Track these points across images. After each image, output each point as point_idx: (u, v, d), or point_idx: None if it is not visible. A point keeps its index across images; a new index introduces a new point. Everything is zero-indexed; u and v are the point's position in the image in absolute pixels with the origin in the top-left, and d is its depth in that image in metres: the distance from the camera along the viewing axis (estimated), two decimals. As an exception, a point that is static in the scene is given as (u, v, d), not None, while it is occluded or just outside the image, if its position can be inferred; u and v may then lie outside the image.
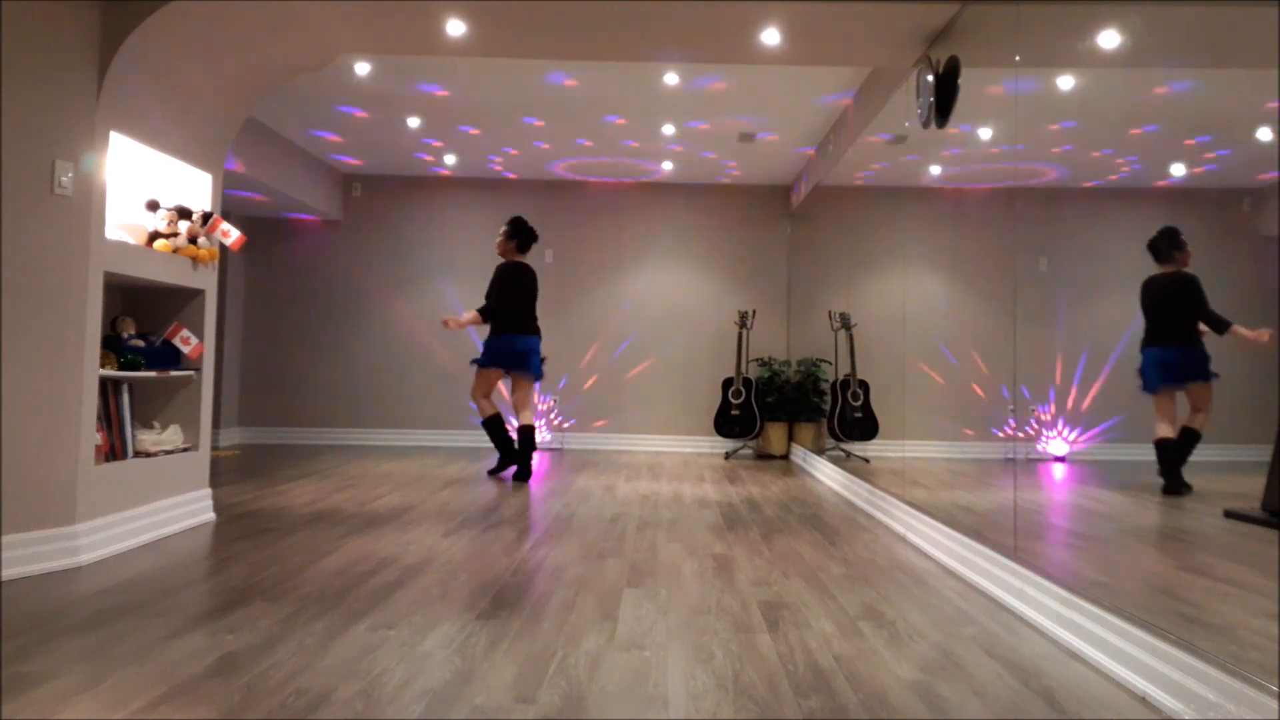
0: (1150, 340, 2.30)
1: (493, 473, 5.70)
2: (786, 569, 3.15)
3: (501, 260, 5.68)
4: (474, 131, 6.39)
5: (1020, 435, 2.95)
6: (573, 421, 7.83)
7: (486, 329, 5.67)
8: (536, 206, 7.84)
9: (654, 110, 5.76)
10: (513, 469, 5.72)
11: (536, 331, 5.62)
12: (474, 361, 5.65)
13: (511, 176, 7.84)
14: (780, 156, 6.89)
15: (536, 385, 6.00)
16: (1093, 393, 2.58)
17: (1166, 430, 2.30)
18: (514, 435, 6.05)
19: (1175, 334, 2.23)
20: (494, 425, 5.62)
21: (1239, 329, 2.01)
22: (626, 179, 7.84)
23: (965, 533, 3.13)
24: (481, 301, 5.65)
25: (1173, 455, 2.31)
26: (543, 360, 5.71)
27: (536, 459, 6.82)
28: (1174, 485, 2.33)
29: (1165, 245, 2.25)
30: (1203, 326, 2.14)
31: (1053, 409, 2.74)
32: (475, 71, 5.12)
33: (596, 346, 7.87)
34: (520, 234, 5.65)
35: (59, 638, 2.22)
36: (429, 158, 7.21)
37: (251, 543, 3.42)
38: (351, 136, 6.62)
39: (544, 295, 7.84)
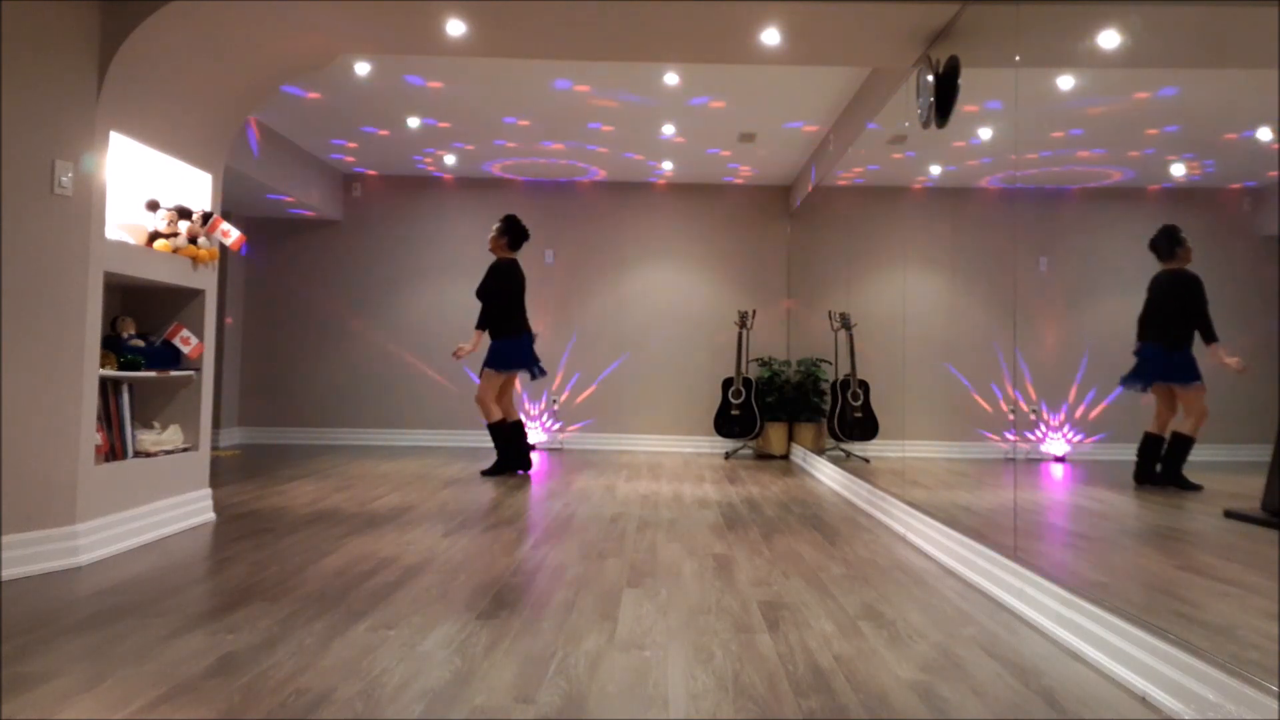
0: (1145, 336, 2.32)
1: (488, 473, 5.64)
2: (786, 569, 3.15)
3: (494, 257, 5.68)
4: (473, 131, 6.39)
5: (1020, 434, 2.95)
6: (572, 421, 7.83)
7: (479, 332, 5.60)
8: (536, 206, 7.84)
9: (654, 110, 5.76)
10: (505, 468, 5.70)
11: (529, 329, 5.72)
12: (493, 366, 5.50)
13: (511, 177, 7.84)
14: (780, 156, 6.89)
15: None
16: (1090, 390, 2.58)
17: (1155, 426, 2.33)
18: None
19: (1169, 333, 2.24)
20: (508, 432, 5.56)
21: (1220, 351, 2.04)
22: (626, 179, 7.84)
23: (965, 533, 3.13)
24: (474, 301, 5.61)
25: (1152, 454, 2.35)
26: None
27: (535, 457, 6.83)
28: (1145, 477, 2.38)
29: (1165, 243, 2.26)
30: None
31: (1062, 416, 2.74)
32: (475, 70, 5.12)
33: (596, 346, 7.87)
34: (513, 231, 5.66)
35: (59, 638, 2.22)
36: (429, 158, 7.21)
37: (251, 543, 3.42)
38: (351, 136, 6.62)
39: (545, 295, 7.87)
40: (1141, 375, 2.36)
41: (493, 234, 5.69)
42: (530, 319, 5.88)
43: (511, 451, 5.63)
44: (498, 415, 5.54)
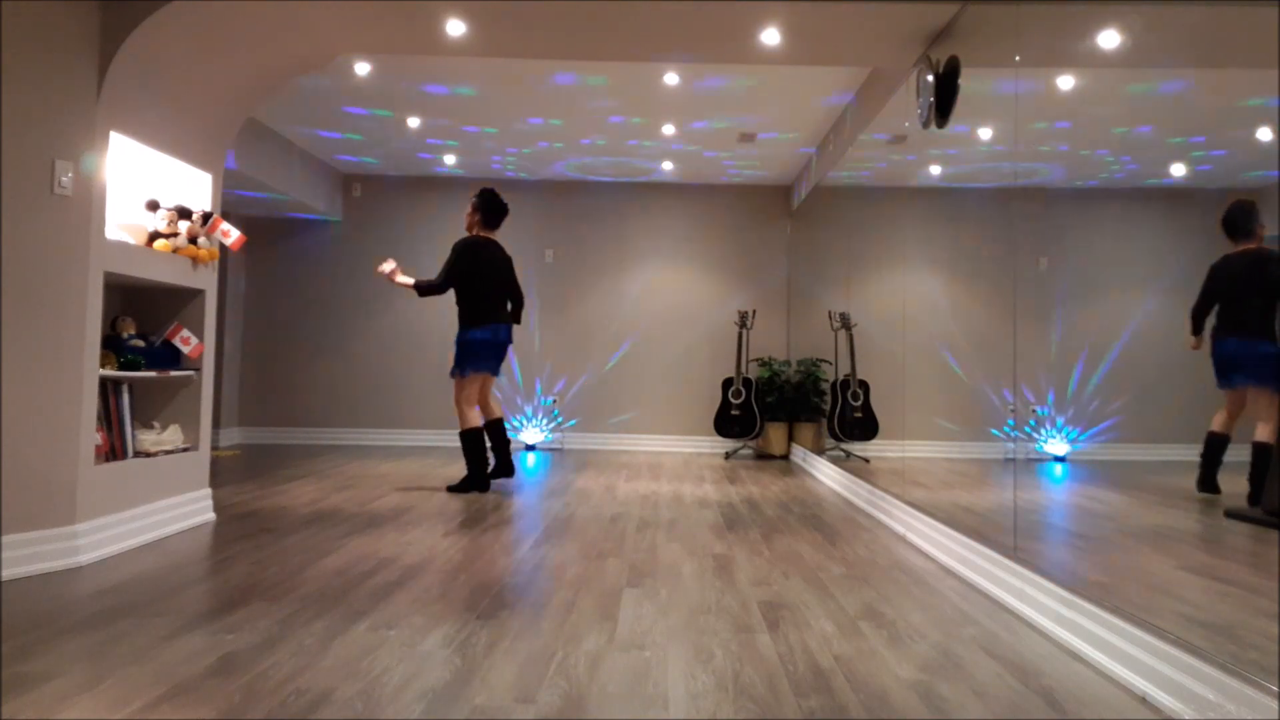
0: (1227, 330, 2.05)
1: (455, 489, 4.92)
2: (786, 569, 3.15)
3: (466, 235, 4.98)
4: (474, 131, 6.39)
5: (1020, 434, 2.95)
6: (572, 422, 7.83)
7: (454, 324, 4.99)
8: (537, 206, 7.85)
9: (654, 110, 5.76)
10: (476, 482, 4.95)
11: (509, 319, 5.04)
12: (462, 368, 4.86)
13: (511, 176, 7.84)
14: (780, 156, 6.89)
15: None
16: (1090, 390, 2.58)
17: (1221, 424, 2.06)
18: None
19: (1256, 323, 1.98)
20: (478, 439, 4.89)
21: None
22: (626, 179, 7.84)
23: (965, 533, 3.13)
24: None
25: (1217, 454, 2.08)
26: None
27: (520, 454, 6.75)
28: (1209, 485, 2.13)
29: (1243, 218, 2.00)
30: None
31: (1052, 409, 2.74)
32: (475, 70, 5.12)
33: (596, 346, 7.87)
34: (486, 206, 4.96)
35: (59, 638, 2.22)
36: (429, 157, 7.21)
37: (251, 543, 3.42)
38: (351, 136, 6.62)
39: (544, 295, 7.86)
40: (1229, 377, 2.03)
41: (467, 211, 5.03)
42: (526, 314, 5.51)
43: (489, 462, 4.98)
44: (475, 423, 4.90)
